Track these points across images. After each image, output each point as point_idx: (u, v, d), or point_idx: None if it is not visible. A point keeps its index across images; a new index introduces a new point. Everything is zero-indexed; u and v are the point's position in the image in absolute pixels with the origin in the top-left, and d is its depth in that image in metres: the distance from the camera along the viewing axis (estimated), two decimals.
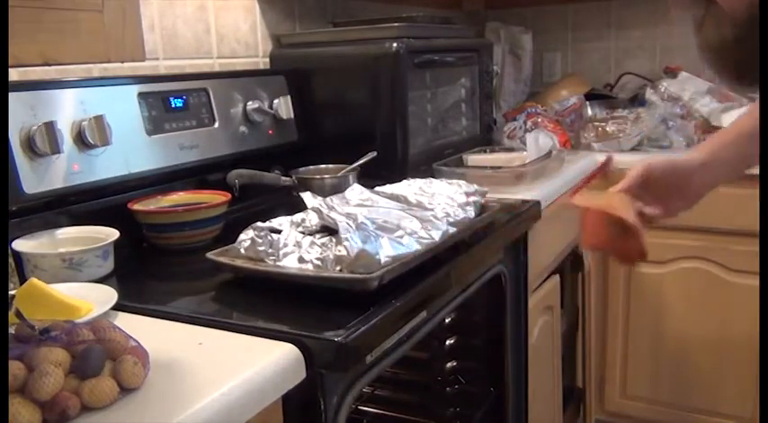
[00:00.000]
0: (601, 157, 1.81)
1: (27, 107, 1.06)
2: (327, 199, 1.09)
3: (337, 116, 1.62)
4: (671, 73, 2.27)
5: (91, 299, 0.85)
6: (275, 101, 1.52)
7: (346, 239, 0.93)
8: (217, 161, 1.38)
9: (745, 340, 1.92)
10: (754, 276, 1.87)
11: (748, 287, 1.89)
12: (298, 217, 1.06)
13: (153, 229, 1.19)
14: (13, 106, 1.03)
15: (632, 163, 0.96)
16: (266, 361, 0.73)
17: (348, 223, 0.97)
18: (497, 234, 1.21)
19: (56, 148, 1.05)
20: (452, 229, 1.06)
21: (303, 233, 1.01)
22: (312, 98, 1.62)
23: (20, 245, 1.01)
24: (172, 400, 0.65)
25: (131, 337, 0.71)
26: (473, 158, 1.74)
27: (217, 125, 1.39)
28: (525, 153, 1.70)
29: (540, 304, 1.53)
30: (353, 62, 1.58)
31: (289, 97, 1.55)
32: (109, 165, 1.16)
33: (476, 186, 1.22)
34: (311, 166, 1.52)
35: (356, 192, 1.16)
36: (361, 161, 1.48)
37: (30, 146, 1.04)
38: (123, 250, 1.09)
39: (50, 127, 1.05)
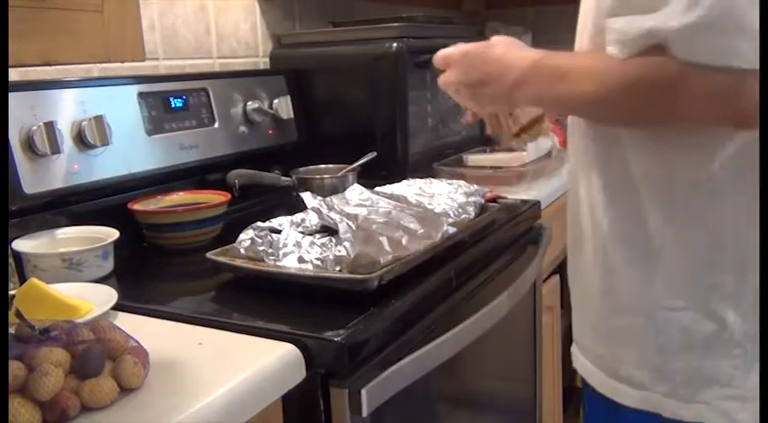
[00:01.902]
0: None
1: (27, 107, 1.06)
2: (327, 199, 1.09)
3: (337, 116, 1.62)
4: None
5: (91, 299, 0.85)
6: (275, 101, 1.52)
7: (346, 239, 0.93)
8: (217, 161, 1.38)
9: None
10: None
11: None
12: (298, 217, 1.06)
13: (153, 229, 1.19)
14: (13, 106, 1.03)
15: None
16: (266, 361, 0.73)
17: (348, 223, 0.97)
18: (497, 234, 1.21)
19: (56, 148, 1.06)
20: (452, 229, 1.06)
21: (303, 233, 1.01)
22: (312, 98, 1.62)
23: (20, 245, 1.01)
24: (172, 400, 0.65)
25: (131, 337, 0.71)
26: (473, 158, 1.74)
27: (217, 125, 1.39)
28: (525, 153, 1.70)
29: (540, 304, 1.53)
30: (353, 62, 1.58)
31: (289, 97, 1.55)
32: (109, 165, 1.16)
33: (476, 186, 1.22)
34: (311, 166, 1.52)
35: (356, 192, 1.16)
36: (361, 161, 1.48)
37: (30, 146, 1.04)
38: (123, 250, 1.09)
39: (50, 127, 1.05)
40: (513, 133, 1.08)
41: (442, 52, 0.94)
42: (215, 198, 1.25)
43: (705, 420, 0.75)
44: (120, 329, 0.71)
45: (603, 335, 0.83)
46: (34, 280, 0.85)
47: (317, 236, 1.00)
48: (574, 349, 0.92)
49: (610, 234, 0.80)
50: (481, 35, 2.33)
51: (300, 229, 1.03)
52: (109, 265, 1.04)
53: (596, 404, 0.84)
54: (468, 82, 0.90)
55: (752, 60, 0.58)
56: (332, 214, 1.01)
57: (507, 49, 0.85)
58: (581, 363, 0.88)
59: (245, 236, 0.99)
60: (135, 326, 0.76)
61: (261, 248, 0.97)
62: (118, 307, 0.86)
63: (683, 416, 0.76)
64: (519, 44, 0.88)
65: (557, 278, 1.67)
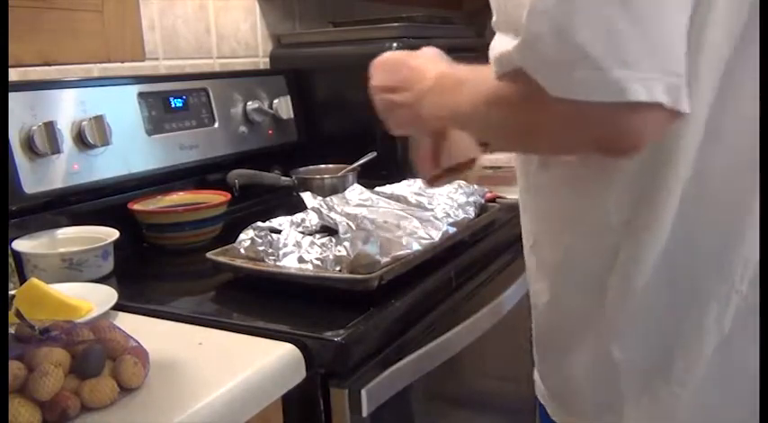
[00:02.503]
0: None
1: (27, 107, 1.06)
2: (327, 199, 1.09)
3: (337, 116, 1.62)
4: None
5: (91, 299, 0.85)
6: (275, 101, 1.52)
7: (346, 240, 0.93)
8: (217, 161, 1.38)
9: None
10: None
11: None
12: (298, 217, 1.07)
13: (153, 229, 1.19)
14: (13, 106, 1.03)
15: None
16: (266, 361, 0.73)
17: (348, 223, 0.97)
18: (497, 234, 1.21)
19: (56, 148, 1.06)
20: (452, 229, 1.06)
21: (303, 233, 1.01)
22: (312, 98, 1.62)
23: (20, 245, 1.01)
24: (172, 400, 0.65)
25: (131, 337, 0.71)
26: None
27: (217, 125, 1.39)
28: None
29: None
30: (353, 62, 1.56)
31: (289, 97, 1.55)
32: (109, 165, 1.16)
33: (476, 186, 1.22)
34: (311, 166, 1.52)
35: (356, 192, 1.16)
36: (361, 161, 1.48)
37: (30, 146, 1.04)
38: (123, 250, 1.09)
39: (50, 127, 1.05)
40: (429, 177, 0.90)
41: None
42: (215, 198, 1.25)
43: None
44: (120, 329, 0.71)
45: (534, 341, 0.84)
46: (34, 280, 0.85)
47: (317, 236, 1.00)
48: None
49: (531, 246, 0.82)
50: (481, 36, 2.33)
51: (300, 229, 1.03)
52: (109, 265, 1.04)
53: (541, 409, 0.85)
54: (382, 86, 0.89)
55: (597, 93, 0.55)
56: (332, 214, 1.02)
57: (425, 61, 0.84)
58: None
59: (245, 236, 0.99)
60: (135, 326, 0.76)
61: (261, 248, 0.97)
62: (118, 307, 0.86)
63: None
64: (441, 57, 0.85)
65: None
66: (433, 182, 0.90)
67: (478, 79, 0.71)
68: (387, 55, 0.90)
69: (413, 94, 0.81)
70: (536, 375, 0.86)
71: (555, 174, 0.73)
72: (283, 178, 1.46)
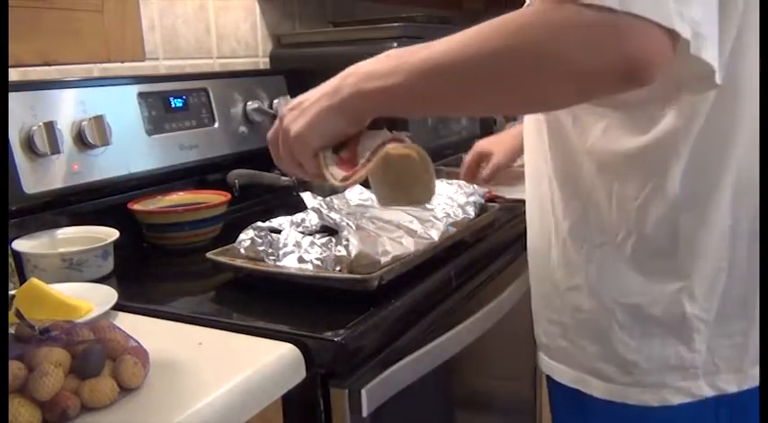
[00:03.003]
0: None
1: (27, 107, 1.06)
2: (327, 199, 1.09)
3: None
4: None
5: (91, 299, 0.85)
6: (275, 101, 1.52)
7: (346, 239, 0.93)
8: (217, 161, 1.38)
9: None
10: None
11: None
12: (298, 217, 1.06)
13: (153, 229, 1.19)
14: (13, 106, 1.03)
15: None
16: (266, 361, 0.73)
17: (348, 223, 0.97)
18: (497, 234, 1.21)
19: (56, 148, 1.06)
20: (452, 229, 1.06)
21: (303, 233, 1.01)
22: None
23: (20, 245, 1.01)
24: (172, 400, 0.65)
25: (131, 337, 0.71)
26: None
27: (217, 125, 1.39)
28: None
29: None
30: (353, 62, 1.57)
31: (288, 97, 1.55)
32: (109, 165, 1.16)
33: (476, 186, 1.22)
34: None
35: (356, 192, 1.16)
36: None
37: (30, 146, 1.04)
38: (123, 250, 1.09)
39: (50, 127, 1.05)
40: (340, 179, 0.75)
41: None
42: (215, 198, 1.25)
43: (669, 402, 0.77)
44: (120, 329, 0.71)
45: (565, 330, 0.84)
46: (34, 280, 0.85)
47: (317, 236, 1.00)
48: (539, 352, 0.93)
49: (569, 230, 0.82)
50: None
51: (300, 229, 1.03)
52: (109, 265, 1.04)
53: (562, 395, 0.85)
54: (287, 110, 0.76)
55: (649, 11, 0.55)
56: (332, 214, 1.02)
57: None
58: (544, 361, 0.89)
59: (245, 236, 0.99)
60: (135, 326, 0.76)
61: (261, 248, 0.97)
62: (118, 307, 0.86)
63: (648, 401, 0.78)
64: None
65: None
66: (349, 179, 0.76)
67: (441, 40, 0.69)
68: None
69: (332, 85, 0.76)
70: (557, 367, 0.85)
71: (621, 153, 0.75)
72: (283, 178, 1.46)
